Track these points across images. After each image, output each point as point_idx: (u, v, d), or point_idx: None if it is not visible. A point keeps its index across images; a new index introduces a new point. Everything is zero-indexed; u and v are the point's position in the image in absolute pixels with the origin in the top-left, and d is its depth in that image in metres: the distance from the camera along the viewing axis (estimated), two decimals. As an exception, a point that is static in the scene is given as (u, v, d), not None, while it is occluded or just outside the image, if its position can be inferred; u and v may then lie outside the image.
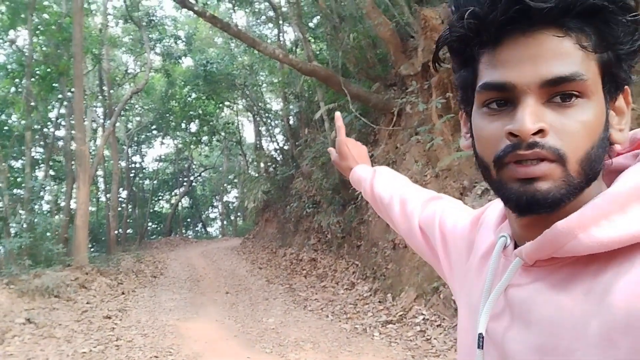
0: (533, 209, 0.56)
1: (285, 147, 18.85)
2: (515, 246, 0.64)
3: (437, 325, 5.69)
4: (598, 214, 0.52)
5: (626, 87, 0.60)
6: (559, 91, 0.54)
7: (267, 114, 20.91)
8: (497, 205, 0.77)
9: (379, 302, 7.24)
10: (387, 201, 1.09)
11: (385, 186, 1.13)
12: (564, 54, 0.53)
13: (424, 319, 5.97)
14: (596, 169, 0.57)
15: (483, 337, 0.62)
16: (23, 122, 14.62)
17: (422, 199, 1.01)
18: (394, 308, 6.72)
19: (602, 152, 0.57)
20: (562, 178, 0.54)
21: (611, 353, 0.48)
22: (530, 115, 0.53)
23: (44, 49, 15.24)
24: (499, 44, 0.56)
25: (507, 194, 0.58)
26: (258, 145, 22.76)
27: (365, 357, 5.21)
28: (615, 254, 0.52)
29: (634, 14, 0.54)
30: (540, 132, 0.54)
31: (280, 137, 20.39)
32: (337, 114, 1.34)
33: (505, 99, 0.57)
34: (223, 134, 24.01)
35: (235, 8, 18.46)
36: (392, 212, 1.06)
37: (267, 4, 16.63)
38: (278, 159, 19.39)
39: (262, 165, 20.72)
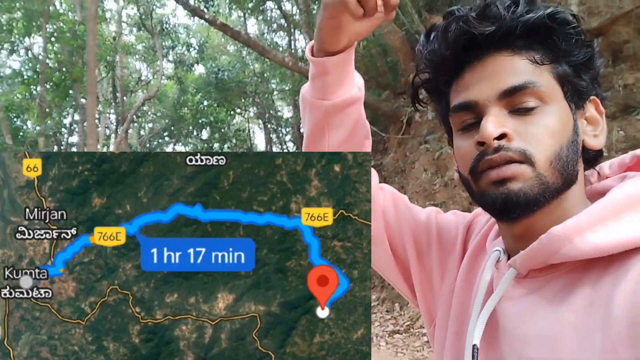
0: (509, 210, 0.59)
1: (296, 155, 18.88)
2: (509, 260, 0.64)
3: (445, 336, 5.65)
4: (594, 219, 0.54)
5: (593, 97, 0.64)
6: (517, 102, 0.59)
7: (277, 122, 21.00)
8: (486, 218, 0.78)
9: (387, 311, 7.19)
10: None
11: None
12: (515, 69, 0.59)
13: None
14: (570, 170, 0.59)
15: (478, 349, 0.62)
16: (37, 128, 14.86)
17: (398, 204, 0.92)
18: (401, 318, 6.67)
19: (574, 154, 0.60)
20: (534, 177, 0.57)
21: None
22: (492, 122, 0.58)
23: (58, 56, 15.48)
24: (460, 73, 0.63)
25: (484, 199, 0.61)
26: (268, 153, 22.86)
27: (371, 367, 5.18)
28: (612, 260, 0.53)
29: (573, 25, 0.59)
30: (504, 137, 0.58)
31: (290, 145, 20.46)
32: None
33: (474, 117, 0.62)
34: (234, 141, 24.13)
35: (247, 16, 18.60)
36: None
37: (278, 12, 16.75)
38: (288, 166, 19.43)
39: (272, 172, 20.78)
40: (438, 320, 0.76)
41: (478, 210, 0.80)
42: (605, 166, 0.65)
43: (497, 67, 0.60)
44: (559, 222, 0.56)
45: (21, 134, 16.88)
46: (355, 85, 0.77)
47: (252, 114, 23.33)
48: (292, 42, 17.32)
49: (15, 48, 16.05)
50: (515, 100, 0.59)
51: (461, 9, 0.61)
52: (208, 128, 23.48)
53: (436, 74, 0.66)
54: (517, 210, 0.58)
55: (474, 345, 0.62)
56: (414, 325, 6.21)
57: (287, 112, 22.52)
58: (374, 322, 6.85)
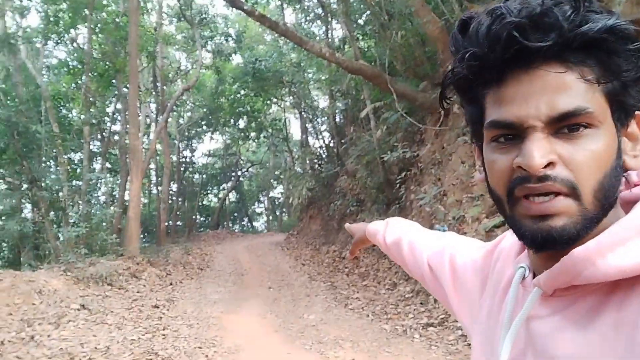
0: (549, 246, 0.56)
1: (331, 145, 18.90)
2: (534, 277, 0.63)
3: (480, 330, 5.59)
4: (615, 240, 0.52)
5: (637, 112, 0.58)
6: (565, 124, 0.54)
7: (313, 111, 21.02)
8: (511, 238, 0.74)
9: (421, 303, 7.17)
10: (398, 247, 1.09)
11: (396, 234, 1.12)
12: (567, 89, 0.53)
13: (466, 323, 5.87)
14: (611, 198, 0.56)
15: None
16: (82, 116, 15.34)
17: (430, 238, 1.01)
18: (435, 311, 6.64)
19: (616, 181, 0.56)
20: (578, 213, 0.54)
21: None
22: (539, 149, 0.53)
23: (102, 46, 15.92)
24: (502, 81, 0.56)
25: (521, 230, 0.57)
26: (304, 142, 22.92)
27: (404, 359, 5.19)
28: (636, 281, 0.51)
29: (635, 43, 0.54)
30: (550, 164, 0.54)
31: (326, 135, 20.47)
32: (347, 225, 1.47)
33: (513, 134, 0.57)
34: (270, 130, 24.33)
35: (285, 6, 18.64)
36: (403, 257, 1.06)
37: (315, 1, 16.69)
38: (323, 156, 19.47)
39: (307, 162, 20.87)
40: (473, 345, 0.76)
41: (505, 235, 0.78)
42: (633, 174, 0.61)
43: (546, 84, 0.54)
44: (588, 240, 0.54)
45: (67, 122, 17.47)
46: (377, 237, 1.19)
47: (288, 104, 23.44)
48: (329, 32, 17.26)
49: (61, 39, 16.58)
50: (563, 123, 0.54)
51: (510, 9, 0.54)
52: (245, 117, 23.73)
53: (474, 76, 0.58)
54: (557, 247, 0.55)
55: None
56: (448, 318, 6.17)
57: (323, 102, 22.53)
58: (408, 314, 6.85)
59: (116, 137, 18.58)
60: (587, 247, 0.53)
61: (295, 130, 32.02)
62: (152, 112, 21.77)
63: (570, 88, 0.53)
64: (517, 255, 0.70)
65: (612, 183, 0.55)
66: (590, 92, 0.54)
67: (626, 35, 0.53)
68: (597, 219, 0.55)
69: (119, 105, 17.85)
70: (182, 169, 26.58)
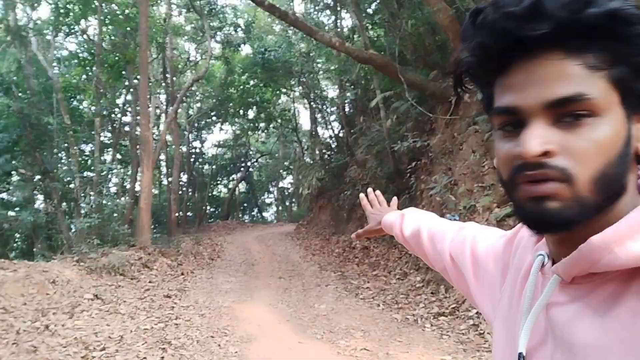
0: (545, 228, 0.58)
1: (340, 135, 18.86)
2: (553, 264, 0.62)
3: (491, 320, 5.57)
4: (633, 227, 0.51)
5: None
6: (567, 111, 0.54)
7: (323, 101, 20.96)
8: None
9: (432, 293, 7.17)
10: (417, 240, 1.10)
11: (413, 226, 1.13)
12: (566, 75, 0.54)
13: (477, 312, 5.86)
14: (616, 186, 0.55)
15: (524, 357, 0.61)
16: (93, 108, 15.44)
17: (450, 229, 1.01)
18: (446, 300, 6.65)
19: (622, 169, 0.55)
20: (572, 198, 0.54)
21: None
22: (534, 138, 0.54)
23: (112, 38, 15.96)
24: (507, 70, 0.58)
25: (521, 212, 0.59)
26: (313, 133, 22.89)
27: (415, 348, 5.20)
28: None
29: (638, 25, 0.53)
30: (547, 153, 0.54)
31: (335, 125, 20.44)
32: (362, 195, 1.50)
33: (517, 120, 0.58)
34: (279, 120, 24.32)
35: (294, -5, 18.51)
36: (424, 249, 1.07)
37: (325, -10, 16.57)
38: (333, 146, 19.45)
39: (317, 152, 20.86)
40: (494, 334, 0.76)
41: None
42: None
43: (546, 71, 0.54)
44: (604, 228, 0.53)
45: (78, 113, 17.58)
46: (393, 229, 1.23)
47: (297, 94, 23.38)
48: (339, 21, 17.15)
49: (71, 31, 16.63)
50: (563, 110, 0.54)
51: None
52: (254, 108, 23.73)
53: (480, 65, 0.61)
54: (554, 229, 0.57)
55: (520, 354, 0.61)
56: (459, 307, 6.17)
57: (332, 92, 22.44)
58: (419, 304, 6.85)
59: (127, 129, 18.69)
60: (605, 235, 0.52)
61: (304, 121, 31.96)
62: (162, 103, 21.84)
63: (569, 75, 0.54)
64: (537, 243, 0.70)
65: (617, 172, 0.55)
66: (592, 78, 0.54)
67: (628, 19, 0.52)
68: (597, 207, 0.55)
69: (129, 97, 17.93)
70: (192, 159, 26.69)
